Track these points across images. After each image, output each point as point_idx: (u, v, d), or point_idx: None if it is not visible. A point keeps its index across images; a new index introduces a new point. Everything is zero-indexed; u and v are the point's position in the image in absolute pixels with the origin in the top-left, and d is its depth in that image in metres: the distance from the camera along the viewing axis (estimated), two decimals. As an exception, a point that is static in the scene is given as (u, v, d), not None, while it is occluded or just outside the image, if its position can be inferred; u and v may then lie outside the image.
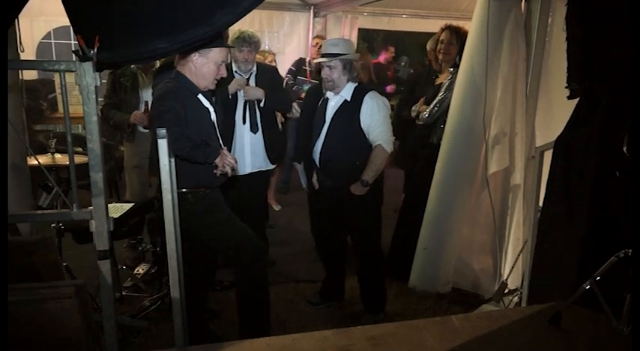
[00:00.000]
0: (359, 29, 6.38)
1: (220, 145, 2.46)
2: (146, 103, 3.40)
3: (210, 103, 2.46)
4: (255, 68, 3.28)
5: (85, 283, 1.74)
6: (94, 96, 1.55)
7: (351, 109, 2.78)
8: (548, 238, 2.55)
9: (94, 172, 1.61)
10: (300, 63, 5.14)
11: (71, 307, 1.61)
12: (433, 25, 6.56)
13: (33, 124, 5.11)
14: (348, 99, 2.79)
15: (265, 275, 2.53)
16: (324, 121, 2.87)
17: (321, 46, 4.92)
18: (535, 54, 2.95)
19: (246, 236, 2.44)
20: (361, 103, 2.76)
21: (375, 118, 2.76)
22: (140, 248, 3.28)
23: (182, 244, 2.29)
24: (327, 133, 2.85)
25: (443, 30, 3.48)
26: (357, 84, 2.82)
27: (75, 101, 3.58)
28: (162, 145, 1.70)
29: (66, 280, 2.08)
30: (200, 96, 2.41)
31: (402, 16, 6.51)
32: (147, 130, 3.41)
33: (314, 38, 5.44)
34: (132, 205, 3.00)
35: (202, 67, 2.33)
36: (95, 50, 1.51)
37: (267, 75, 3.34)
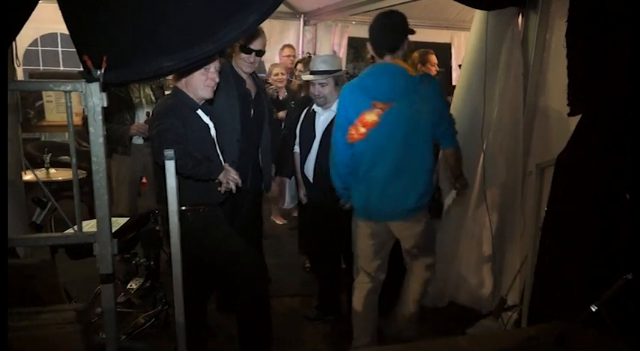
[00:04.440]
0: (349, 38, 6.39)
1: (221, 161, 2.41)
2: (147, 113, 3.36)
3: (210, 119, 2.42)
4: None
5: (86, 307, 1.69)
6: (101, 117, 1.51)
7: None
8: (550, 255, 2.55)
9: (98, 195, 1.57)
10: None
11: (73, 332, 1.56)
12: (422, 35, 6.63)
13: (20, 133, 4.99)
14: None
15: (266, 294, 2.48)
16: (314, 136, 2.86)
17: (291, 56, 4.94)
18: (533, 69, 2.96)
19: (246, 254, 2.40)
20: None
21: None
22: (133, 262, 3.21)
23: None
24: (319, 148, 2.84)
25: None
26: None
27: (63, 109, 3.50)
28: (170, 166, 1.66)
29: (66, 303, 2.01)
30: (200, 112, 2.36)
31: (392, 25, 6.53)
32: (142, 143, 3.36)
33: (284, 48, 5.20)
34: (127, 219, 2.94)
35: (190, 77, 2.29)
36: (102, 70, 1.47)
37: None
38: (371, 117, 2.28)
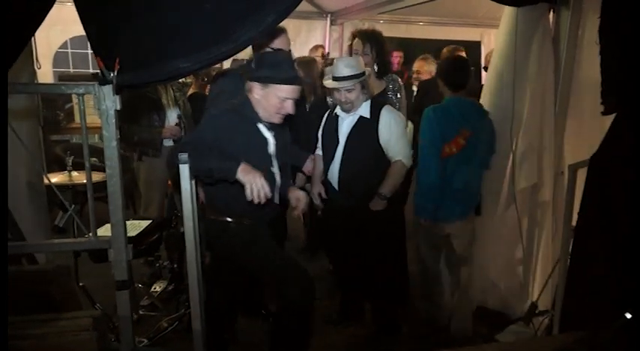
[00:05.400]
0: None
1: (275, 178, 2.33)
2: (179, 116, 3.40)
3: (274, 134, 2.32)
4: None
5: (103, 313, 1.68)
6: (114, 120, 1.49)
7: (368, 126, 2.67)
8: (583, 259, 2.43)
9: (112, 199, 1.55)
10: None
11: (89, 339, 1.55)
12: (451, 33, 6.50)
13: (50, 135, 5.09)
14: (367, 116, 2.68)
15: (311, 311, 2.39)
16: (337, 141, 2.73)
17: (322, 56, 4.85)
18: (565, 67, 2.84)
19: (294, 269, 2.28)
20: (378, 119, 2.65)
21: (393, 133, 2.65)
22: (157, 265, 3.22)
23: (215, 266, 2.18)
24: (344, 153, 2.71)
25: (354, 37, 3.14)
26: (370, 100, 2.72)
27: (91, 111, 3.52)
28: (184, 170, 1.63)
29: (83, 309, 2.02)
30: (260, 125, 2.28)
31: (419, 23, 6.43)
32: (172, 144, 3.41)
33: (316, 48, 5.20)
34: (150, 222, 2.94)
35: (262, 99, 2.20)
36: (115, 73, 1.45)
37: None
38: (460, 140, 2.77)
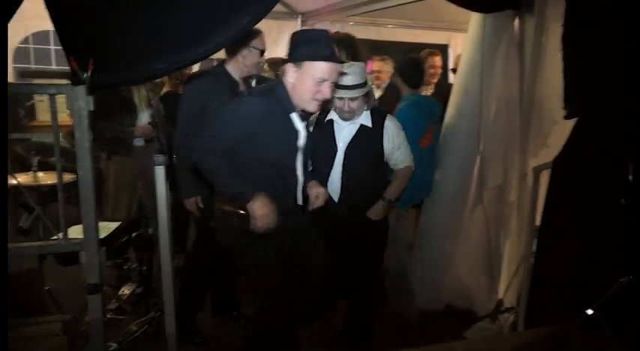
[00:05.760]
0: (347, 38, 6.35)
1: (297, 176, 2.14)
2: (152, 115, 3.34)
3: (306, 125, 2.14)
4: (254, 83, 2.92)
5: (72, 318, 1.64)
6: (87, 121, 1.46)
7: (371, 135, 2.59)
8: (546, 257, 2.53)
9: (85, 201, 1.52)
10: None
11: (60, 345, 1.52)
12: (418, 36, 6.61)
13: (10, 133, 4.89)
14: (369, 124, 2.59)
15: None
16: (335, 149, 2.59)
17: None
18: (529, 72, 2.93)
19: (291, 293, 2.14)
20: (382, 128, 2.60)
21: (396, 140, 2.63)
22: (125, 267, 3.16)
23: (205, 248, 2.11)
24: (344, 163, 2.58)
25: None
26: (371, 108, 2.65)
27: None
28: (160, 173, 1.62)
29: (52, 313, 1.96)
30: (293, 115, 2.07)
31: (389, 26, 6.51)
32: (143, 144, 3.33)
33: None
34: (119, 223, 2.89)
35: (297, 82, 1.99)
36: (89, 73, 1.43)
37: None
38: (430, 133, 3.12)
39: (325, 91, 1.99)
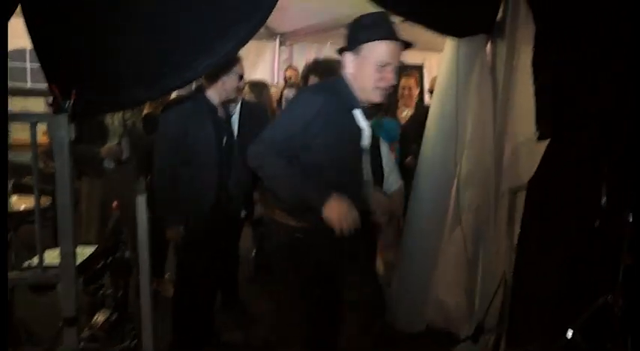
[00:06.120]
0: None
1: (359, 182, 1.95)
2: (120, 135, 3.27)
3: (370, 124, 1.95)
4: (238, 107, 2.93)
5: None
6: (67, 150, 1.44)
7: (371, 155, 2.56)
8: (525, 277, 2.57)
9: (63, 231, 1.49)
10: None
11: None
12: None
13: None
14: (368, 146, 2.60)
15: None
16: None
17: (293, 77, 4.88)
18: (502, 94, 3.01)
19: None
20: (379, 149, 2.67)
21: (391, 159, 2.71)
22: (100, 293, 3.07)
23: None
24: None
25: (309, 71, 2.95)
26: None
27: (19, 126, 3.28)
28: (141, 202, 1.60)
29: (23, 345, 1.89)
30: (357, 112, 1.87)
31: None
32: (113, 167, 3.26)
33: (287, 69, 5.32)
34: (94, 247, 2.82)
35: (357, 71, 1.81)
36: (71, 102, 1.41)
37: (253, 114, 3.01)
38: (394, 148, 3.55)
39: (389, 77, 1.81)
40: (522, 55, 2.91)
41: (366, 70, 1.80)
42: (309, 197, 1.72)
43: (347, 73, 1.86)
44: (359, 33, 1.82)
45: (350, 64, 1.84)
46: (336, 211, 1.66)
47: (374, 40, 1.78)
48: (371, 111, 1.96)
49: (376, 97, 1.86)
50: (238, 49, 1.81)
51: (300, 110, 1.83)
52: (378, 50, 1.78)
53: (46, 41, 1.48)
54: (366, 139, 1.92)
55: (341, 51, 1.88)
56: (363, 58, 1.80)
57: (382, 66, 1.79)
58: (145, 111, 3.94)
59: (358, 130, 1.90)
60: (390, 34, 1.81)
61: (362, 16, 1.87)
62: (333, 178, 1.83)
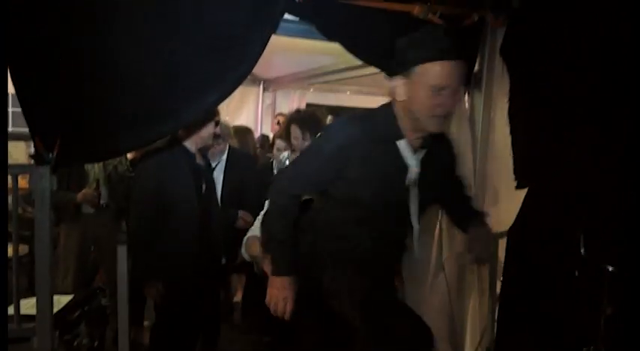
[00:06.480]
0: (307, 104, 6.56)
1: (410, 224, 1.75)
2: (97, 180, 3.21)
3: (421, 158, 1.71)
4: (225, 155, 2.96)
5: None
6: (49, 201, 1.43)
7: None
8: (508, 326, 2.56)
9: (40, 283, 1.46)
10: (263, 140, 5.07)
11: None
12: (374, 102, 6.86)
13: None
14: None
15: None
16: None
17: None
18: (480, 145, 3.09)
19: None
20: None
21: None
22: (75, 343, 2.96)
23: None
24: None
25: (290, 122, 2.97)
26: None
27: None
28: (122, 252, 1.58)
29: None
30: (402, 143, 1.64)
31: (347, 92, 6.80)
32: (91, 211, 3.20)
33: (277, 115, 5.45)
34: (70, 297, 2.74)
35: (409, 97, 1.57)
36: (54, 154, 1.41)
37: (241, 163, 3.03)
38: None
39: (447, 103, 1.56)
40: (499, 107, 3.01)
41: (420, 94, 1.56)
42: (272, 256, 1.68)
43: (396, 103, 1.65)
44: (408, 52, 1.58)
45: (400, 89, 1.61)
46: (275, 293, 1.64)
47: (425, 60, 1.54)
48: (422, 142, 1.70)
49: (433, 127, 1.61)
50: (225, 98, 1.84)
51: (326, 144, 1.67)
52: (432, 72, 1.53)
53: (30, 92, 1.49)
54: (412, 175, 1.69)
55: (390, 74, 1.66)
56: (414, 84, 1.56)
57: (438, 90, 1.55)
58: (131, 155, 3.93)
59: (402, 165, 1.68)
60: (444, 54, 1.54)
61: (411, 33, 1.63)
62: (370, 215, 1.70)
